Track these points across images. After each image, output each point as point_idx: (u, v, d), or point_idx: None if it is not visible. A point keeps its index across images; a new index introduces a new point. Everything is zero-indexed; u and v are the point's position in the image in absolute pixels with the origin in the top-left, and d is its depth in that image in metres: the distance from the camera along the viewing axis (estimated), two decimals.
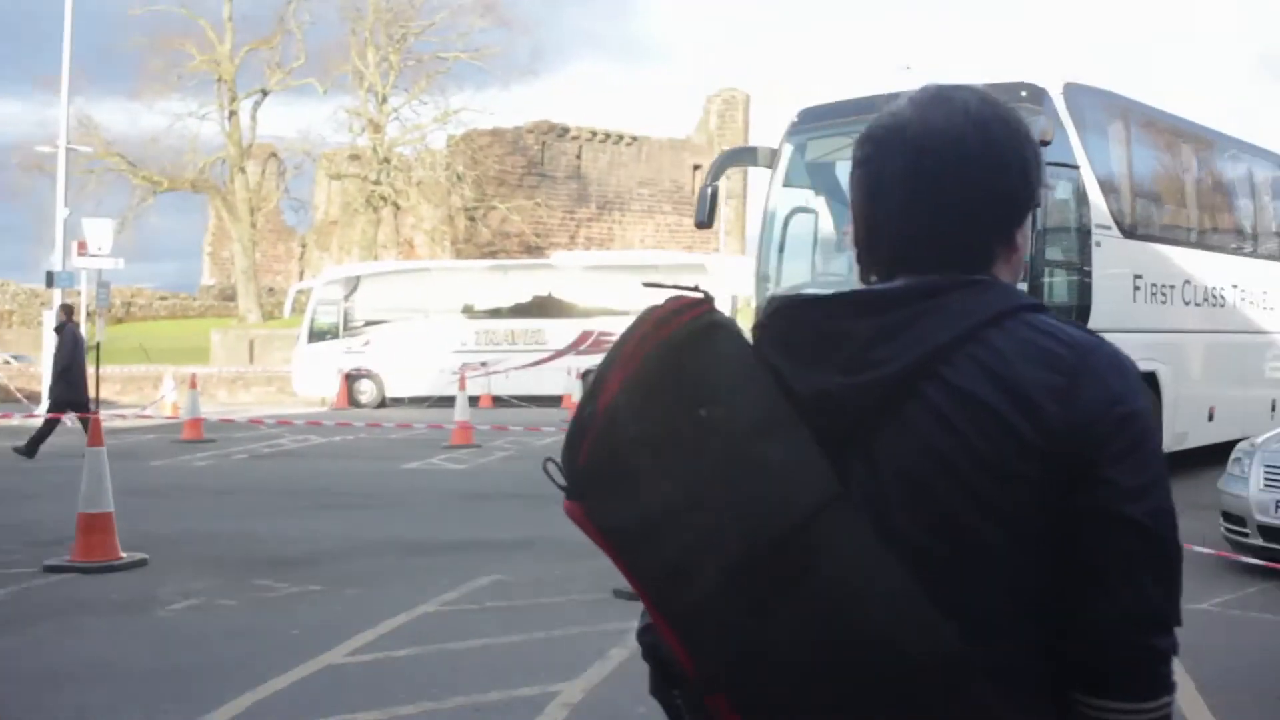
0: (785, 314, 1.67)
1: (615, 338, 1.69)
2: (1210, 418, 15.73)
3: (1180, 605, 1.60)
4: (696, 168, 61.12)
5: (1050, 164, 12.57)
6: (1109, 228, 13.60)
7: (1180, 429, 14.89)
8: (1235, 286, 16.58)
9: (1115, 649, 1.55)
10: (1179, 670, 3.08)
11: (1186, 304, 15.29)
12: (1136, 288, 14.25)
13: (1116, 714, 1.55)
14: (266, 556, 10.24)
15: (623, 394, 1.56)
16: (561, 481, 1.59)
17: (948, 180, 1.64)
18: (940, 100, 1.68)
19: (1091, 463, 1.54)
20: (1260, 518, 9.71)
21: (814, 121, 14.10)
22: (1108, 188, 13.78)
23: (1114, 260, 13.63)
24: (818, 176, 14.45)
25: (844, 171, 14.12)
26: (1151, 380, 14.25)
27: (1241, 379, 16.80)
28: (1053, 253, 13.07)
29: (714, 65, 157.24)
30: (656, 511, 1.54)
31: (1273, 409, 17.45)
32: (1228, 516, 10.09)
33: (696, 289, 1.63)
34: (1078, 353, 1.58)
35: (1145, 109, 15.41)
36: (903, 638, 1.47)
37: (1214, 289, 16.02)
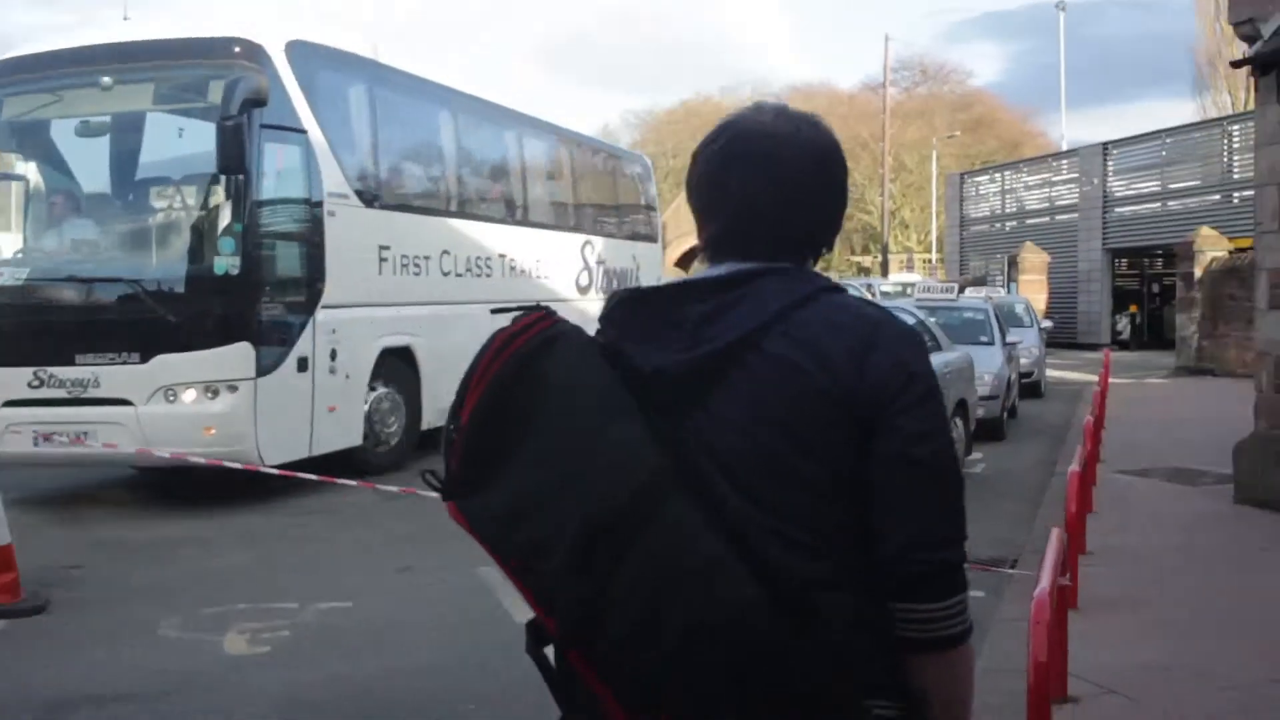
0: (626, 305, 2.01)
1: None
2: None
3: (964, 523, 1.93)
4: None
5: (270, 127, 11.28)
6: (345, 196, 12.45)
7: (443, 404, 14.02)
8: (504, 256, 16.13)
9: (913, 565, 1.86)
10: None
11: (446, 275, 14.53)
12: (384, 259, 13.24)
13: (922, 613, 1.88)
14: None
15: (478, 409, 1.91)
16: (438, 485, 1.95)
17: (794, 181, 2.00)
18: (787, 113, 2.05)
19: (884, 413, 1.88)
20: None
21: (12, 75, 12.06)
22: (344, 154, 12.59)
23: (353, 231, 12.51)
24: (24, 137, 12.45)
25: (60, 131, 12.32)
26: (407, 356, 13.59)
27: None
28: (276, 223, 11.76)
29: None
30: (515, 504, 1.86)
31: None
32: None
33: (539, 306, 1.96)
34: (869, 325, 1.93)
35: (394, 73, 14.25)
36: (712, 594, 1.74)
37: (480, 259, 15.41)
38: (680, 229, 52.80)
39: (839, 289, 2.01)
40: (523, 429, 1.88)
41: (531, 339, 1.91)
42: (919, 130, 70.30)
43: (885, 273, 48.69)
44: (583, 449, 1.84)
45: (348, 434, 12.61)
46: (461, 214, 15.43)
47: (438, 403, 13.80)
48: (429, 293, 14.11)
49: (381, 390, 13.20)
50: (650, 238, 22.49)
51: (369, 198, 13.09)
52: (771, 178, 2.00)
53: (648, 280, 21.11)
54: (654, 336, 1.94)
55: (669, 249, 52.70)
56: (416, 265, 13.93)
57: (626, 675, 1.80)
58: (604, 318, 2.02)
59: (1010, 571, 8.30)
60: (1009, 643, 6.83)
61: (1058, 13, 61.66)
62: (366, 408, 12.91)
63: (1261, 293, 10.82)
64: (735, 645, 1.75)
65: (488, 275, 15.60)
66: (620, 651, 1.79)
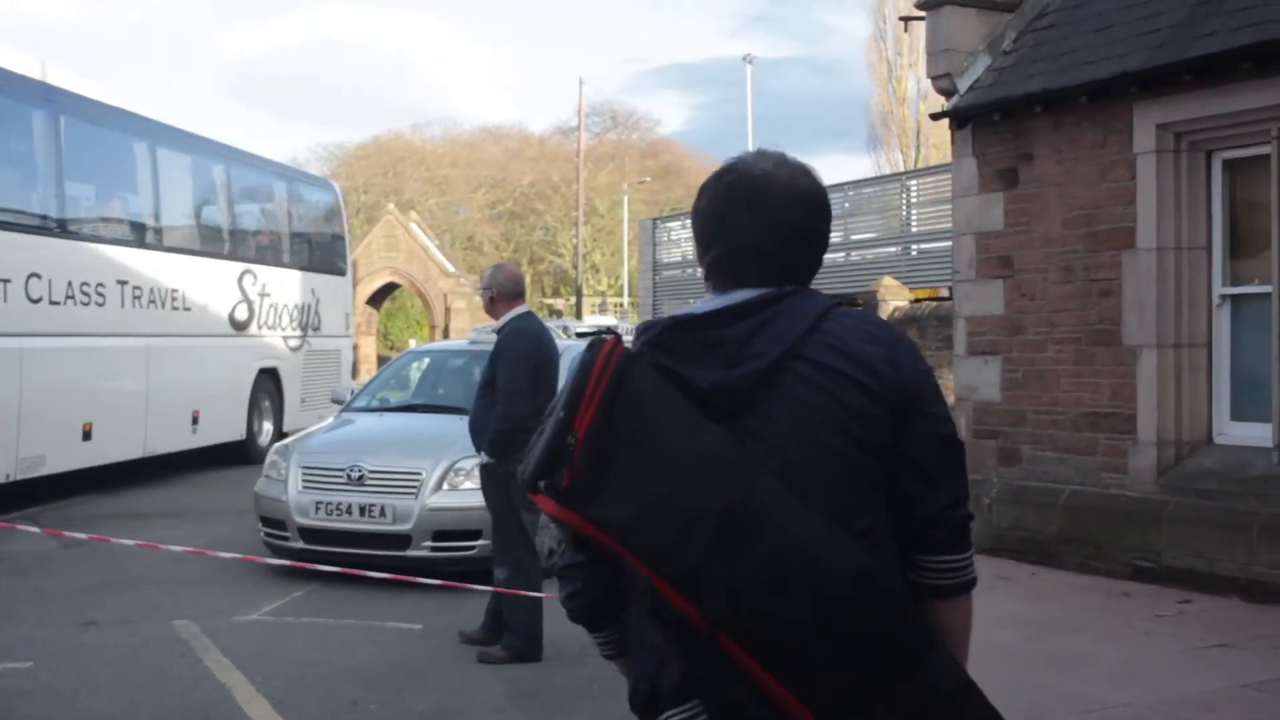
0: (670, 331, 2.27)
1: None
2: (87, 436, 13.67)
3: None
4: None
5: None
6: None
7: (37, 451, 12.78)
8: (126, 283, 14.47)
9: (954, 519, 2.30)
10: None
11: (38, 302, 12.76)
12: None
13: (954, 562, 2.32)
14: None
15: (593, 425, 2.12)
16: (556, 495, 2.14)
17: (791, 223, 2.35)
18: (785, 163, 2.38)
19: (916, 404, 2.28)
20: (300, 520, 9.65)
21: None
22: None
23: None
24: None
25: None
26: None
27: (141, 390, 14.82)
28: None
29: None
30: (641, 506, 2.10)
31: (195, 422, 16.18)
32: (267, 521, 9.99)
33: (611, 331, 2.25)
34: (885, 332, 2.33)
35: None
36: (837, 559, 2.10)
37: (91, 285, 13.72)
38: (373, 265, 51.93)
39: (841, 304, 2.36)
40: (629, 440, 2.13)
41: (620, 361, 2.18)
42: (610, 175, 71.31)
43: (579, 315, 48.96)
44: (687, 454, 2.13)
45: None
46: (62, 232, 13.62)
47: (24, 450, 12.53)
48: (15, 323, 12.44)
49: None
50: (337, 270, 21.27)
51: None
52: (765, 218, 2.35)
53: (331, 316, 20.34)
54: (695, 358, 2.24)
55: (361, 284, 51.75)
56: None
57: (772, 644, 2.08)
58: (651, 342, 2.28)
59: None
60: None
61: (744, 65, 63.41)
62: None
63: (960, 339, 11.19)
64: (856, 610, 2.10)
65: (99, 304, 13.94)
66: (762, 625, 2.08)
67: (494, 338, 9.93)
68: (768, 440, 2.20)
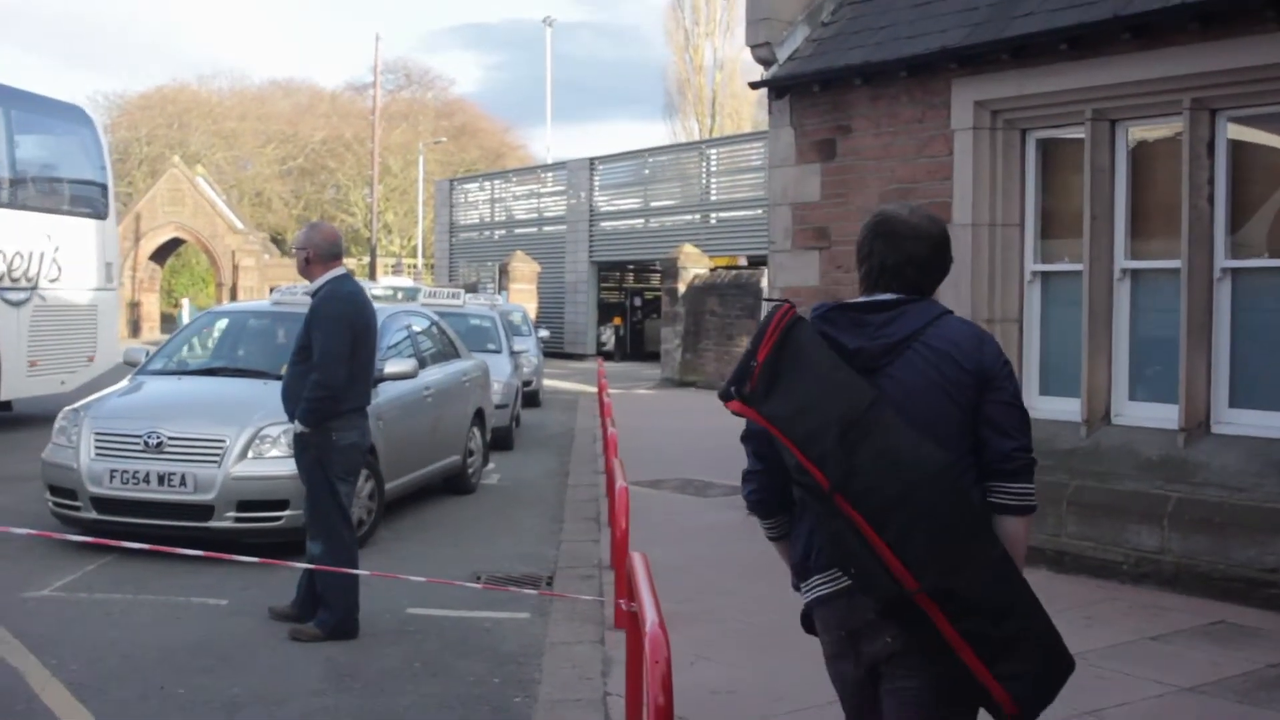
0: (834, 310, 3.43)
1: None
2: None
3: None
4: None
5: None
6: None
7: None
8: None
9: (1019, 458, 3.36)
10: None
11: None
12: None
13: (1019, 489, 3.36)
14: None
15: (769, 355, 3.25)
16: (737, 395, 3.29)
17: (910, 251, 3.48)
18: (918, 212, 3.57)
19: (994, 380, 3.36)
20: (93, 489, 9.16)
21: None
22: None
23: None
24: None
25: None
26: None
27: None
28: None
29: None
30: (796, 409, 3.21)
31: None
32: (56, 490, 9.46)
33: (785, 301, 3.36)
34: (978, 332, 3.46)
35: None
36: (922, 458, 3.17)
37: None
38: (156, 220, 50.00)
39: (951, 312, 3.49)
40: (790, 368, 3.26)
41: (789, 319, 3.30)
42: (404, 134, 70.14)
43: (373, 276, 48.01)
44: (828, 380, 3.24)
45: None
46: None
47: None
48: None
49: None
50: (92, 213, 18.43)
51: None
52: (900, 250, 3.49)
53: (79, 265, 17.75)
54: (848, 330, 3.38)
55: (145, 239, 49.89)
56: None
57: (873, 506, 3.12)
58: (819, 315, 3.42)
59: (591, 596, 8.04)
60: (564, 668, 6.57)
61: (542, 27, 63.30)
62: None
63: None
64: (933, 489, 3.16)
65: None
66: (869, 493, 3.13)
67: (300, 299, 9.52)
68: (891, 389, 3.29)
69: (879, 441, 3.16)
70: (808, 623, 3.58)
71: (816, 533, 3.34)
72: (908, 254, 3.46)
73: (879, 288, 3.48)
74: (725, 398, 3.31)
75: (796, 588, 3.54)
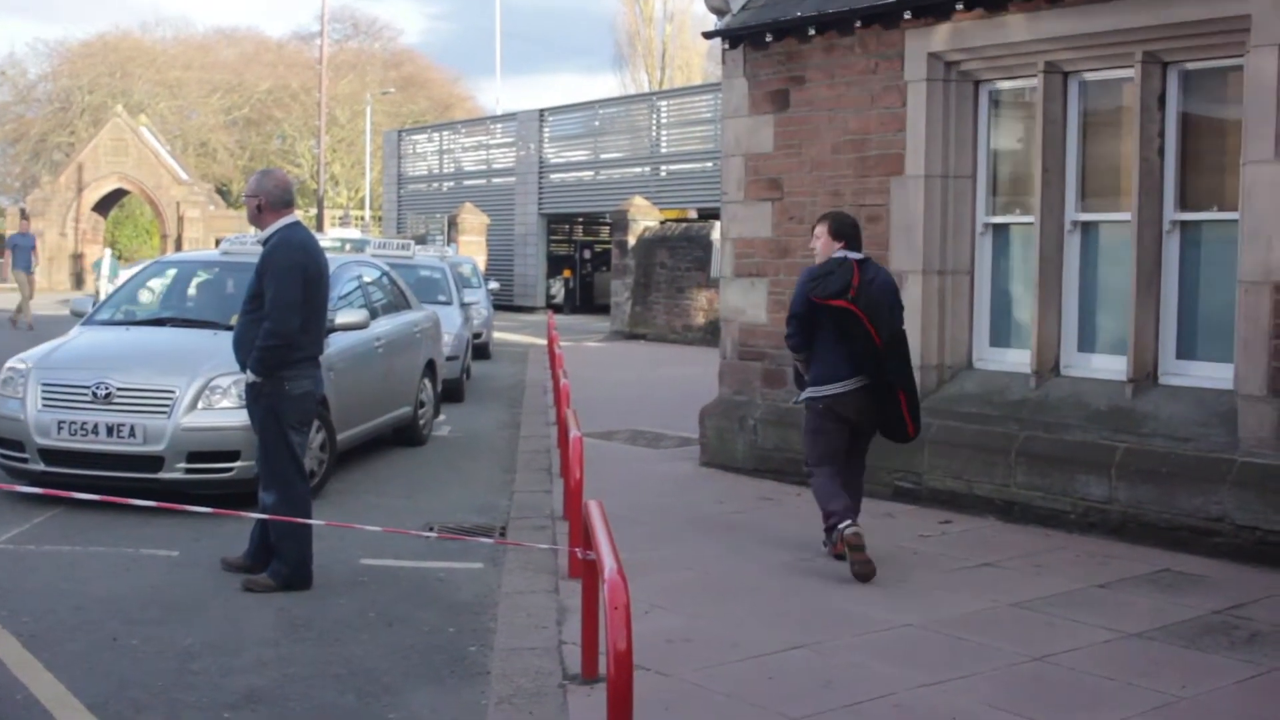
0: (834, 262, 7.53)
1: None
2: None
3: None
4: None
5: None
6: None
7: None
8: None
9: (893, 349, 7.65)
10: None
11: None
12: None
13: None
14: None
15: (859, 283, 7.48)
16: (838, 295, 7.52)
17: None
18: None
19: (898, 301, 7.71)
20: (41, 440, 9.13)
21: None
22: None
23: None
24: None
25: None
26: None
27: None
28: None
29: None
30: (869, 304, 7.44)
31: None
32: (3, 442, 9.42)
33: (847, 259, 7.57)
34: (890, 274, 7.88)
35: None
36: (895, 329, 7.58)
37: None
38: (99, 170, 49.37)
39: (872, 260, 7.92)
40: (858, 288, 7.57)
41: (859, 261, 7.65)
42: (351, 85, 69.38)
43: (321, 227, 47.60)
44: (875, 290, 7.59)
45: None
46: None
47: None
48: None
49: None
50: None
51: None
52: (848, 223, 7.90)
53: None
54: (839, 275, 7.53)
55: (87, 190, 49.31)
56: None
57: (887, 348, 7.53)
58: (824, 273, 7.63)
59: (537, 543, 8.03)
60: (519, 617, 6.59)
61: None
62: None
63: (726, 261, 11.18)
64: (897, 344, 7.60)
65: None
66: (887, 344, 7.50)
67: (250, 249, 9.40)
68: (862, 304, 7.39)
69: (886, 320, 7.43)
70: (813, 404, 7.67)
71: (846, 361, 7.47)
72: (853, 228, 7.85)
73: (843, 247, 7.67)
74: (827, 296, 7.42)
75: (801, 389, 7.85)
